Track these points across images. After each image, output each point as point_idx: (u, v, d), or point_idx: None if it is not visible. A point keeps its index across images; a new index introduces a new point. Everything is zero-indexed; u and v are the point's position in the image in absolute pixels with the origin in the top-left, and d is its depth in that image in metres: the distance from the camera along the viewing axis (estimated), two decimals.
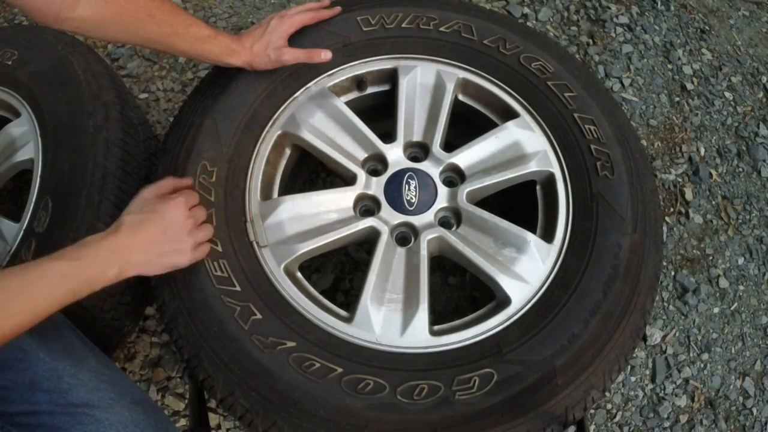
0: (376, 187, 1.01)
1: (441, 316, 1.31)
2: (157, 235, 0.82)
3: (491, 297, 0.97)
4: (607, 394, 1.33)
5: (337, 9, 1.10)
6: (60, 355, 0.78)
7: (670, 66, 1.77)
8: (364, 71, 1.09)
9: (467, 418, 0.82)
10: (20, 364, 0.75)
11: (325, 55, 1.04)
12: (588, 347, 0.87)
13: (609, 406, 1.34)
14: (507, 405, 0.83)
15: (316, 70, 1.06)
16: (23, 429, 0.74)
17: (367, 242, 0.99)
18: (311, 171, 1.42)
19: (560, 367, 0.86)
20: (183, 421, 1.22)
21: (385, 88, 1.12)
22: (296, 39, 1.05)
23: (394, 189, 1.01)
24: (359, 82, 1.10)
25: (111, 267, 0.78)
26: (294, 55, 1.02)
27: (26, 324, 0.71)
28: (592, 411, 1.32)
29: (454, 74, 1.08)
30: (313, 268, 1.35)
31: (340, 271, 1.36)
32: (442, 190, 1.02)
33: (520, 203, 1.16)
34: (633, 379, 1.37)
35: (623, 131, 1.05)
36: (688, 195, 1.59)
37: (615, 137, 1.03)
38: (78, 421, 0.73)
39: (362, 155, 1.04)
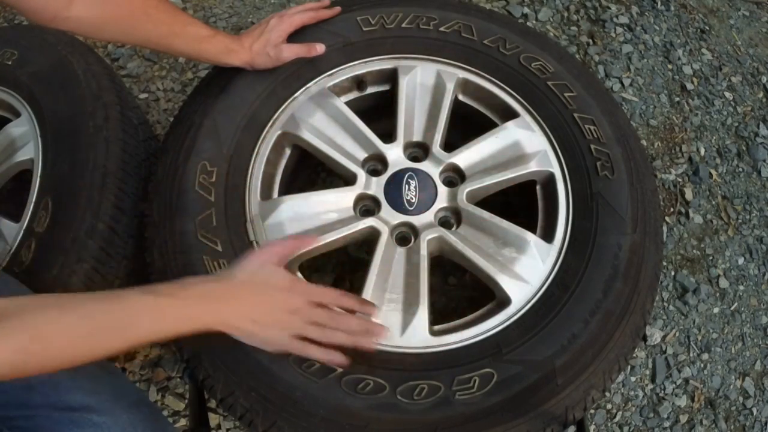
0: (376, 187, 1.01)
1: (441, 316, 1.31)
2: (258, 308, 0.77)
3: (491, 297, 0.97)
4: (607, 394, 1.33)
5: (337, 9, 1.10)
6: None
7: (670, 66, 1.77)
8: (364, 71, 1.09)
9: (467, 418, 0.82)
10: None
11: (320, 47, 1.05)
12: (588, 347, 0.87)
13: (609, 406, 1.34)
14: (507, 405, 0.83)
15: (316, 69, 1.06)
16: None
17: (367, 242, 0.99)
18: (311, 171, 1.42)
19: (560, 367, 0.85)
20: (183, 421, 1.22)
21: (385, 88, 1.12)
22: (296, 39, 1.04)
23: (394, 189, 1.01)
24: (359, 82, 1.10)
25: (207, 315, 0.74)
26: (293, 51, 1.02)
27: (101, 353, 0.68)
28: (592, 411, 1.32)
29: (454, 74, 1.08)
30: (313, 268, 1.35)
31: (340, 271, 1.36)
32: (442, 190, 1.02)
33: (520, 203, 1.16)
34: (633, 379, 1.37)
35: (623, 131, 1.05)
36: (688, 195, 1.59)
37: (615, 137, 1.03)
38: (76, 424, 0.73)
39: (362, 155, 1.04)
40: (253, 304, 0.77)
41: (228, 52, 0.98)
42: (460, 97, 1.11)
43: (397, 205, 1.00)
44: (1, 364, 0.61)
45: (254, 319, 0.77)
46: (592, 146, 1.02)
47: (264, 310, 0.78)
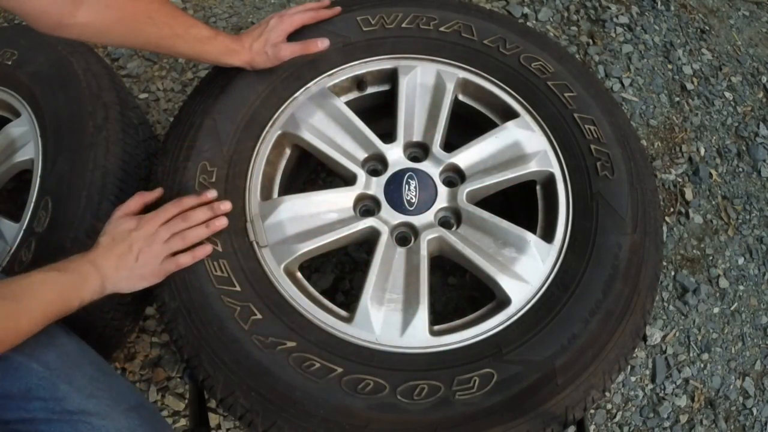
0: (376, 187, 1.01)
1: (441, 316, 1.31)
2: (125, 254, 0.85)
3: (491, 297, 0.97)
4: (607, 394, 1.33)
5: (337, 9, 1.10)
6: (55, 362, 0.77)
7: (670, 66, 1.77)
8: (364, 71, 1.09)
9: (467, 418, 0.82)
10: (15, 372, 0.75)
11: (322, 43, 1.05)
12: (588, 347, 0.87)
13: (609, 406, 1.34)
14: (507, 405, 0.83)
15: (316, 69, 1.06)
16: None
17: (367, 242, 0.99)
18: (311, 171, 1.42)
19: (560, 367, 0.86)
20: (183, 421, 1.22)
21: (385, 88, 1.12)
22: (296, 39, 1.04)
23: (394, 189, 1.01)
24: (359, 82, 1.10)
25: (93, 280, 0.82)
26: (291, 50, 1.02)
27: (14, 336, 0.73)
28: (592, 411, 1.32)
29: (454, 74, 1.08)
30: (313, 268, 1.35)
31: (340, 271, 1.36)
32: (442, 190, 1.02)
33: (520, 203, 1.16)
34: (633, 379, 1.37)
35: (623, 131, 1.05)
36: (688, 195, 1.59)
37: (615, 137, 1.03)
38: (75, 428, 0.73)
39: (362, 155, 1.04)
40: (118, 256, 0.85)
41: (229, 52, 0.98)
42: (460, 97, 1.11)
43: (397, 205, 1.00)
44: None
45: (124, 266, 0.86)
46: (592, 146, 1.02)
47: (128, 255, 0.86)
